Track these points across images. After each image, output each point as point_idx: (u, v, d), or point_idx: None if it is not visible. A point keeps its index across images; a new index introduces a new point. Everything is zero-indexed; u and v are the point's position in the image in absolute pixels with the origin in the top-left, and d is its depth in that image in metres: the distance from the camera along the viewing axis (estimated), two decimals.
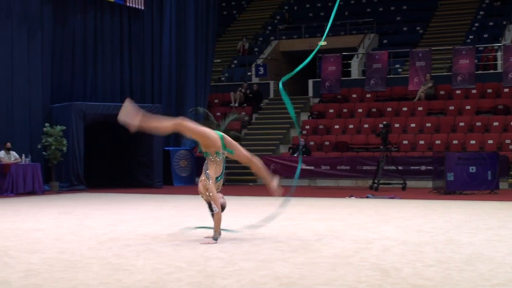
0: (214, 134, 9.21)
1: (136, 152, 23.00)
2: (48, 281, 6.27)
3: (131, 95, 24.40)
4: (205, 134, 9.12)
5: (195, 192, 20.17)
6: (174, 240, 9.01)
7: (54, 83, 22.39)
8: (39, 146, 20.75)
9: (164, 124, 9.12)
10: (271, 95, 30.17)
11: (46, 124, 20.80)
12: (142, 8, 24.68)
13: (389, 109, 26.59)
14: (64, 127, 20.71)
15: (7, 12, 20.99)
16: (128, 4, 24.13)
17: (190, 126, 9.13)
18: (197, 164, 24.77)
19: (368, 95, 27.69)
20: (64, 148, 20.68)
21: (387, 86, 26.86)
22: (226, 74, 32.29)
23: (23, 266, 7.02)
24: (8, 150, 19.84)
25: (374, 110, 26.68)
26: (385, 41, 31.83)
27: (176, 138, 25.26)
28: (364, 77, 27.64)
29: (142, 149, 22.77)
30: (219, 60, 31.87)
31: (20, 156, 19.93)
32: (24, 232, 10.08)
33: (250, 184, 24.49)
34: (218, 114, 27.74)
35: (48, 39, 22.15)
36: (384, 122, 21.08)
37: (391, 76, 28.10)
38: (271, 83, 30.40)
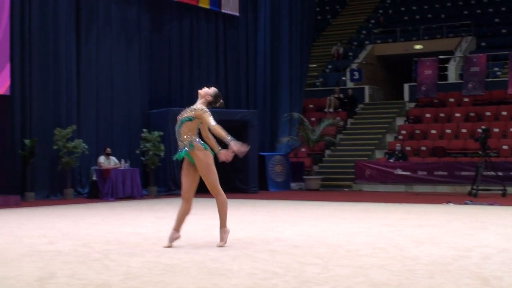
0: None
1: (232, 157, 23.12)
2: (147, 285, 6.37)
3: (226, 101, 24.66)
4: None
5: (291, 197, 20.29)
6: (269, 245, 9.02)
7: (152, 89, 22.81)
8: (137, 152, 21.16)
9: None
10: (366, 100, 29.96)
11: (144, 130, 21.20)
12: (237, 14, 24.92)
13: (488, 113, 26.02)
14: (162, 133, 21.05)
15: (106, 20, 21.51)
16: (223, 10, 24.41)
17: None
18: (293, 169, 24.81)
19: (466, 99, 27.17)
20: (162, 153, 21.02)
21: (485, 89, 26.28)
22: (321, 79, 32.22)
23: (123, 269, 7.16)
24: (108, 155, 20.30)
25: (472, 114, 26.15)
26: (483, 43, 31.17)
27: (271, 143, 25.36)
28: (462, 81, 27.12)
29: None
30: (313, 65, 31.84)
31: (120, 161, 20.36)
32: (124, 236, 10.28)
33: (345, 189, 24.33)
34: (313, 119, 27.71)
35: (146, 46, 22.61)
36: (483, 127, 20.63)
37: (490, 79, 27.49)
38: (366, 87, 30.19)
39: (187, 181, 9.04)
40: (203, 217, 13.50)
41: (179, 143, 8.99)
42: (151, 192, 21.10)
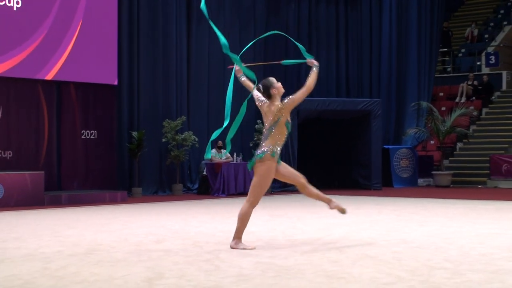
0: None
1: (353, 151, 23.09)
2: (261, 287, 6.42)
3: (347, 89, 24.59)
4: None
5: (418, 194, 20.06)
6: (394, 247, 8.94)
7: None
8: (250, 144, 21.34)
9: None
10: (504, 87, 29.22)
11: (258, 121, 21.35)
12: None
13: None
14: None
15: (219, 5, 21.78)
16: None
17: None
18: (420, 163, 24.49)
19: None
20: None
21: None
22: (453, 65, 31.64)
23: (235, 271, 7.24)
24: (219, 148, 20.57)
25: None
26: None
27: (396, 135, 25.10)
28: None
29: (360, 148, 22.79)
30: (445, 49, 31.28)
31: (232, 155, 20.59)
32: None
33: (479, 186, 23.83)
34: (443, 109, 27.25)
35: (261, 32, 22.73)
36: None
37: None
38: (504, 73, 29.43)
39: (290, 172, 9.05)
40: (321, 215, 13.50)
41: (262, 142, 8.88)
42: None
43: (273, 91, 8.88)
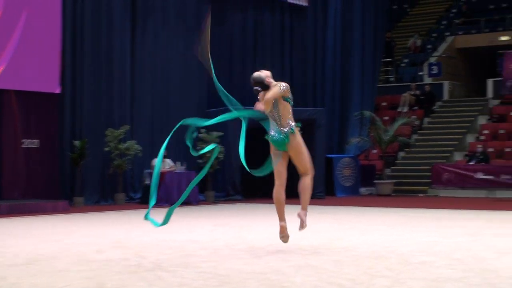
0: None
1: None
2: None
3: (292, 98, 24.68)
4: None
5: (360, 203, 20.21)
6: (336, 255, 9.03)
7: (211, 87, 22.89)
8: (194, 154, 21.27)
9: None
10: (445, 97, 29.67)
11: (202, 130, 21.36)
12: (305, 4, 24.90)
13: None
14: (222, 133, 21.15)
15: (163, 12, 21.75)
16: (290, 1, 24.43)
17: None
18: (363, 172, 24.71)
19: None
20: (221, 156, 21.13)
21: None
22: (395, 75, 32.01)
23: (176, 281, 7.23)
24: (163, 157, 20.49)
25: None
26: None
27: (339, 144, 25.29)
28: None
29: None
30: (388, 59, 31.63)
31: (175, 164, 20.55)
32: (179, 245, 10.39)
33: (421, 195, 24.14)
34: (386, 118, 27.58)
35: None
36: None
37: None
38: (445, 83, 29.90)
39: (285, 172, 9.89)
40: (266, 224, 13.55)
41: (279, 126, 9.41)
42: (208, 197, 21.25)
43: (268, 80, 9.43)
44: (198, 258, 8.85)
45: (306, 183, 9.62)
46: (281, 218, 9.57)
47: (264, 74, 9.44)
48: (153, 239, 11.16)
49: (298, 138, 9.33)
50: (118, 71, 20.65)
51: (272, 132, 9.49)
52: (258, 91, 9.49)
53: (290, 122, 9.30)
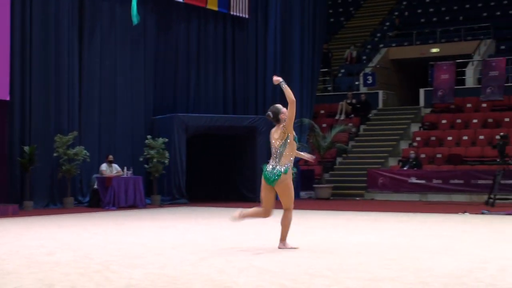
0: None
1: (239, 165, 23.21)
2: None
3: (234, 107, 24.69)
4: None
5: (300, 206, 20.21)
6: (277, 256, 9.03)
7: (157, 94, 22.86)
8: (141, 159, 21.19)
9: None
10: (380, 105, 29.96)
11: (148, 137, 21.25)
12: (247, 16, 24.93)
13: (506, 119, 25.99)
14: (167, 140, 21.10)
15: (110, 22, 21.57)
16: (232, 12, 24.43)
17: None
18: (303, 177, 24.80)
19: (484, 105, 27.15)
20: (166, 161, 21.06)
21: (504, 94, 26.24)
22: (333, 84, 32.23)
23: (124, 282, 7.17)
24: (110, 162, 20.36)
25: (490, 120, 26.13)
26: (502, 47, 31.10)
27: None
28: (480, 86, 27.09)
29: (245, 162, 22.94)
30: (325, 70, 31.82)
31: (122, 169, 20.41)
32: (126, 246, 10.31)
33: (357, 198, 24.31)
34: (324, 125, 27.73)
35: (151, 49, 22.66)
36: (501, 133, 20.62)
37: (509, 84, 27.40)
38: (380, 92, 30.20)
39: (270, 197, 9.84)
40: (210, 226, 13.51)
41: (276, 164, 9.66)
42: (154, 201, 21.14)
43: (281, 116, 9.68)
44: (145, 260, 8.79)
45: (287, 219, 9.81)
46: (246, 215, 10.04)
47: (283, 110, 9.72)
48: (101, 241, 11.05)
49: (288, 180, 9.62)
50: (66, 79, 20.39)
51: (269, 167, 9.70)
52: (269, 117, 9.74)
53: (288, 163, 9.60)
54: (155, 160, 21.04)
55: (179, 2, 22.99)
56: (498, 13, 33.51)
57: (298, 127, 25.68)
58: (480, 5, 34.77)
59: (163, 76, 23.11)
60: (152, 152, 21.02)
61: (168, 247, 10.21)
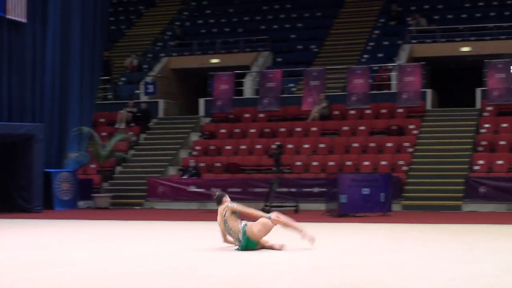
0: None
1: (14, 174, 22.43)
2: None
3: (9, 114, 23.83)
4: None
5: (78, 216, 19.94)
6: (58, 268, 8.84)
7: None
8: None
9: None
10: (160, 114, 30.09)
11: None
12: (24, 20, 24.17)
13: (282, 129, 26.93)
14: None
15: None
16: (8, 16, 23.60)
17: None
18: (81, 186, 24.41)
19: (261, 115, 27.97)
20: None
21: (280, 105, 27.19)
22: (114, 92, 31.98)
23: None
24: None
25: (267, 130, 26.97)
26: (279, 59, 32.26)
27: (58, 159, 24.76)
28: (257, 96, 27.91)
29: (21, 171, 22.22)
30: (106, 77, 31.52)
31: None
32: None
33: (136, 207, 24.28)
34: (104, 134, 27.44)
35: None
36: (277, 143, 21.35)
37: (285, 95, 28.42)
38: (161, 101, 30.32)
39: None
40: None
41: (236, 237, 10.64)
42: None
43: (224, 199, 10.92)
44: None
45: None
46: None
47: (227, 197, 10.95)
48: None
49: (250, 226, 10.56)
50: None
51: (238, 246, 10.63)
52: (214, 196, 11.19)
53: (239, 226, 10.55)
54: None
55: None
56: (275, 26, 34.70)
57: (77, 136, 25.29)
58: (258, 18, 35.84)
59: None
60: None
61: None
